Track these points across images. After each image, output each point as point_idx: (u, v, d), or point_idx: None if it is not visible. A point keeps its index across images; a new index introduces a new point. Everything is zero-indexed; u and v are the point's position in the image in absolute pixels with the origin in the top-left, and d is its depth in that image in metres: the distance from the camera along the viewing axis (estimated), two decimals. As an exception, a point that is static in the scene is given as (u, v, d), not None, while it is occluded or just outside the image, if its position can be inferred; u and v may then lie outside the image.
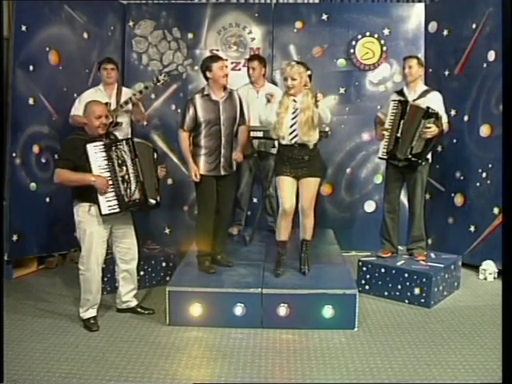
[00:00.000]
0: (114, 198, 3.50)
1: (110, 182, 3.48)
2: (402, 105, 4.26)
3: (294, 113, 3.86)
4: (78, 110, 4.44)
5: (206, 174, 4.02)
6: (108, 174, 3.49)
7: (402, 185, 4.51)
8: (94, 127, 3.56)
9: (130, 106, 4.64)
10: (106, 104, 4.42)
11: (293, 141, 3.88)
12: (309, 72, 3.87)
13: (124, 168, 3.54)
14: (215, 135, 4.00)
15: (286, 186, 3.92)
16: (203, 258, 4.10)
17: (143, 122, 5.01)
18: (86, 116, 3.59)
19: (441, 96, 4.34)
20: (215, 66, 3.95)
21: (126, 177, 3.54)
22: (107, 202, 3.48)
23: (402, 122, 4.23)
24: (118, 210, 3.51)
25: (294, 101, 3.87)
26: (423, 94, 4.32)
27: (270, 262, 4.21)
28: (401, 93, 4.40)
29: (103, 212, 3.47)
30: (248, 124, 4.78)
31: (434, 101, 4.28)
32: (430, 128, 4.13)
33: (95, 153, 3.47)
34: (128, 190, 3.54)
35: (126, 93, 4.72)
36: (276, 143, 4.87)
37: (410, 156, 4.22)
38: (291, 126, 3.86)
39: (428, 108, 4.16)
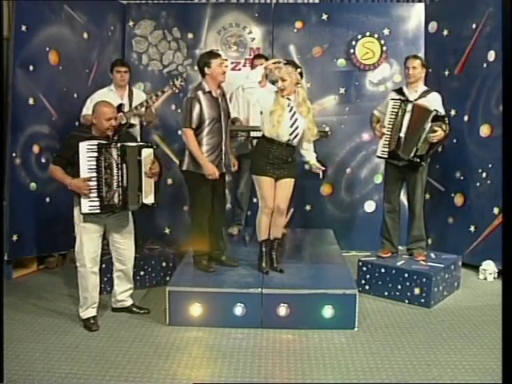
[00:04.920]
0: (97, 198, 3.49)
1: (95, 183, 3.47)
2: (404, 104, 4.24)
3: (290, 111, 3.86)
4: (89, 109, 4.40)
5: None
6: (94, 175, 3.48)
7: (401, 184, 4.51)
8: (103, 128, 3.56)
9: (143, 109, 4.59)
10: (121, 105, 4.41)
11: (292, 141, 3.89)
12: (299, 70, 3.86)
13: (108, 171, 3.51)
14: (218, 132, 3.98)
15: (268, 187, 3.95)
16: (200, 258, 4.09)
17: (153, 123, 4.98)
18: (94, 116, 3.58)
19: (440, 97, 4.34)
20: (214, 63, 3.92)
21: (109, 180, 3.52)
22: (89, 202, 3.48)
23: (404, 121, 4.21)
24: (98, 210, 3.51)
25: (288, 99, 3.87)
26: (424, 95, 4.31)
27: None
28: (400, 92, 4.39)
29: (83, 211, 3.48)
30: (247, 124, 4.80)
31: (434, 101, 4.27)
32: (436, 132, 4.12)
33: (86, 152, 3.46)
34: (108, 194, 3.51)
35: (137, 94, 4.72)
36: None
37: (413, 157, 4.21)
38: (291, 126, 3.86)
39: (436, 111, 4.15)
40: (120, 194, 3.54)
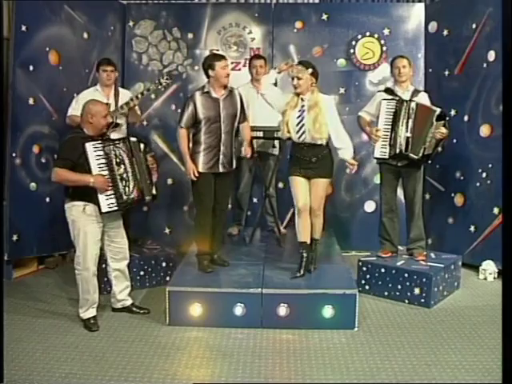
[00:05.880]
0: (113, 196, 3.52)
1: (109, 181, 3.49)
2: (406, 104, 4.23)
3: (300, 111, 3.87)
4: (75, 110, 4.37)
5: (205, 172, 4.01)
6: (107, 173, 3.50)
7: (398, 184, 4.51)
8: (100, 126, 3.58)
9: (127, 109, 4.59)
10: (107, 105, 4.39)
11: (300, 139, 3.89)
12: (309, 70, 3.85)
13: (122, 167, 3.58)
14: (215, 132, 4.00)
15: (298, 185, 3.95)
16: (202, 258, 4.10)
17: (138, 123, 4.97)
18: (91, 116, 3.56)
19: (427, 96, 4.38)
20: (218, 65, 3.95)
21: (125, 175, 3.58)
22: (106, 201, 3.49)
23: (409, 120, 4.20)
24: (116, 207, 3.53)
25: (302, 99, 3.89)
26: (415, 94, 4.34)
27: (270, 262, 4.22)
28: (391, 92, 4.37)
29: (103, 210, 3.48)
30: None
31: (424, 101, 4.31)
32: (442, 130, 4.15)
33: (94, 151, 3.47)
34: (126, 189, 3.58)
35: (124, 93, 4.69)
36: (276, 143, 4.89)
37: (422, 157, 4.21)
38: (297, 125, 3.87)
39: (441, 110, 4.17)
40: (137, 186, 3.64)
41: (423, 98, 4.32)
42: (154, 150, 5.40)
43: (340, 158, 4.02)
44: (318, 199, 3.97)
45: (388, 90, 4.41)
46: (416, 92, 4.36)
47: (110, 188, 3.49)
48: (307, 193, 3.96)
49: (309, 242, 4.00)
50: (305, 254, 3.98)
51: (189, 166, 3.99)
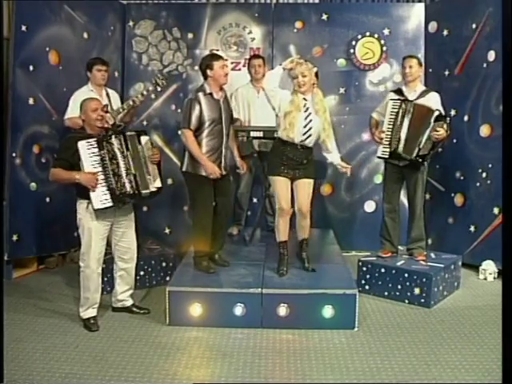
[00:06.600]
0: (106, 192, 3.49)
1: (102, 177, 3.48)
2: (405, 104, 4.23)
3: (305, 112, 3.83)
4: (73, 110, 4.33)
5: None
6: (100, 169, 3.48)
7: (401, 184, 4.51)
8: (92, 121, 3.57)
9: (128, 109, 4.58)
10: (106, 106, 4.38)
11: (306, 141, 3.85)
12: (315, 69, 3.85)
13: (115, 162, 3.54)
14: (218, 134, 3.97)
15: (283, 186, 3.92)
16: (201, 259, 4.08)
17: (131, 122, 4.96)
18: (83, 113, 3.59)
19: (439, 96, 4.34)
20: (217, 65, 3.92)
21: (117, 170, 3.53)
22: (99, 197, 3.48)
23: (406, 120, 4.21)
24: (110, 203, 3.51)
25: (305, 99, 3.85)
26: (423, 94, 4.32)
27: (270, 262, 4.22)
28: (399, 92, 4.39)
29: (95, 207, 3.47)
30: (248, 124, 4.80)
31: (434, 101, 4.28)
32: (439, 131, 4.13)
33: (87, 149, 3.46)
34: (119, 184, 3.53)
35: (113, 94, 4.69)
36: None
37: (416, 157, 4.21)
38: (305, 127, 3.83)
39: (439, 111, 4.16)
40: (131, 180, 3.58)
41: (432, 99, 4.28)
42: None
43: (329, 161, 4.02)
44: (306, 200, 3.96)
45: (398, 91, 4.42)
46: (425, 92, 4.33)
47: (98, 184, 3.46)
48: (290, 194, 3.95)
49: (288, 240, 4.06)
50: (285, 253, 4.04)
51: (209, 166, 3.89)
